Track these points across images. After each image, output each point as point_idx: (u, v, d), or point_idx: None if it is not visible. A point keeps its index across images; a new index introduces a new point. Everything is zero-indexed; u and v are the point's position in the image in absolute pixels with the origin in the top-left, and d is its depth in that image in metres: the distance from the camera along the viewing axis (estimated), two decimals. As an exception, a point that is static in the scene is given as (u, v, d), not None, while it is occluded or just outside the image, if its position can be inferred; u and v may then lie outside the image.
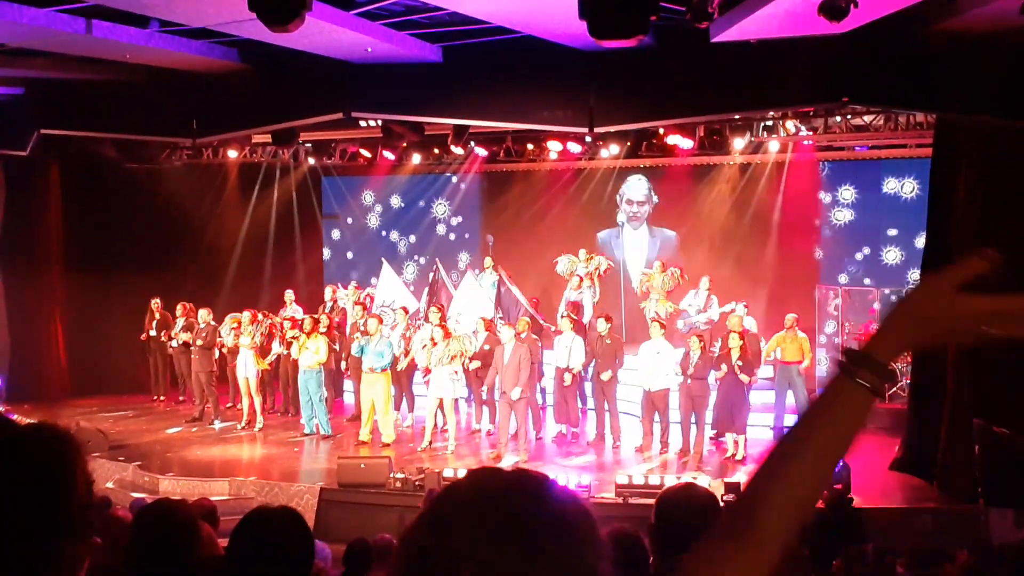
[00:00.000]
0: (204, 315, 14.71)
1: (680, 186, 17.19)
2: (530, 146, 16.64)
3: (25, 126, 13.79)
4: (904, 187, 15.68)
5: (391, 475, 10.71)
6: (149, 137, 14.93)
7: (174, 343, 15.09)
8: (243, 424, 14.19)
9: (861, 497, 9.95)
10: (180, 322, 15.17)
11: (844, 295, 15.52)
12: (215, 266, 18.06)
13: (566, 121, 11.80)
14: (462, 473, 1.36)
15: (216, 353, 14.64)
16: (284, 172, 19.05)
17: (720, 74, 10.38)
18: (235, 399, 14.87)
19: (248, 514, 2.83)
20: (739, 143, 14.94)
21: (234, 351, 14.28)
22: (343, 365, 14.92)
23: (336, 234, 20.02)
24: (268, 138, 15.47)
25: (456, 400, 13.22)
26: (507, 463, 11.74)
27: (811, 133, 15.11)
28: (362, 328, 13.62)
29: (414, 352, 13.55)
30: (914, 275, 15.13)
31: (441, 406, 12.87)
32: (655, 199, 17.65)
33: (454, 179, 18.86)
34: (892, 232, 15.92)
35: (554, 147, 15.72)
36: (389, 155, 17.21)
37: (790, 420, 13.58)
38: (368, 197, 19.48)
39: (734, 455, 12.07)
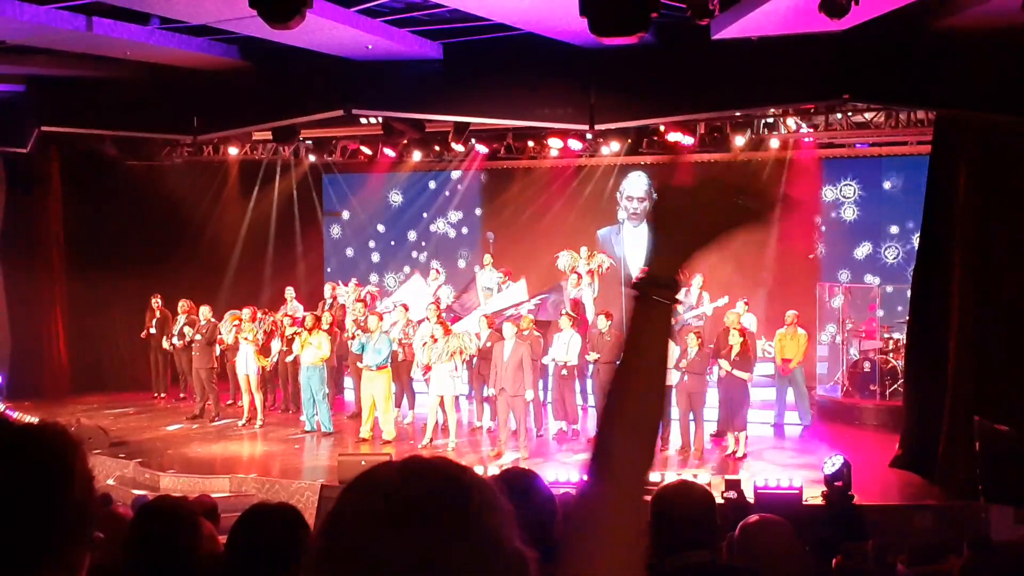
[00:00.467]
0: (205, 312, 14.73)
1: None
2: (531, 143, 16.63)
3: (25, 123, 13.79)
4: (905, 184, 15.67)
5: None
6: (150, 134, 14.93)
7: (176, 340, 15.09)
8: (243, 421, 14.20)
9: (861, 494, 9.96)
10: (181, 319, 15.19)
11: (845, 292, 15.53)
12: (215, 263, 18.05)
13: (567, 118, 11.80)
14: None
15: (217, 350, 14.66)
16: (285, 169, 19.05)
17: (721, 71, 10.38)
18: (235, 396, 14.88)
19: (247, 511, 2.84)
20: (740, 140, 14.93)
21: (234, 348, 14.29)
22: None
23: (336, 231, 20.03)
24: (269, 135, 15.46)
25: (456, 397, 13.23)
26: (508, 460, 11.75)
27: (812, 130, 15.10)
28: (362, 325, 13.63)
29: (415, 348, 13.57)
30: (914, 272, 15.12)
31: (442, 403, 12.88)
32: (655, 196, 17.61)
33: (455, 176, 18.86)
34: (893, 229, 15.93)
35: (555, 144, 15.70)
36: (390, 152, 17.21)
37: (790, 417, 13.66)
38: (369, 194, 19.47)
39: (734, 452, 12.07)
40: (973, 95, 9.66)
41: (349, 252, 19.83)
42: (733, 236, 1.50)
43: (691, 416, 12.20)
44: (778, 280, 16.05)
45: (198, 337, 14.47)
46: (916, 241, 12.78)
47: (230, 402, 15.08)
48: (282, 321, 14.72)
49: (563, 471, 10.84)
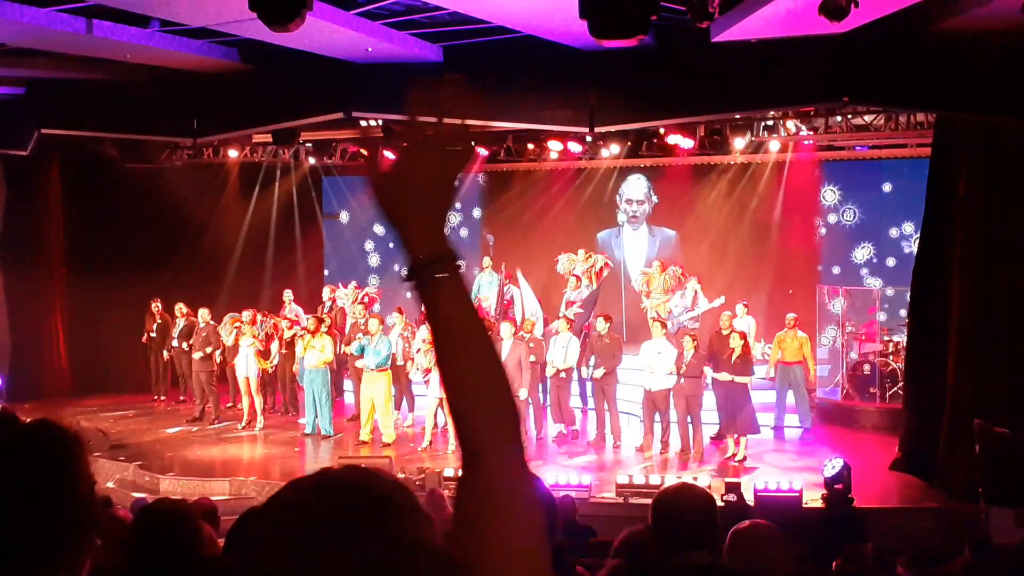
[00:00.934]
0: (204, 315, 14.73)
1: (680, 186, 17.19)
2: (530, 146, 16.63)
3: (26, 126, 13.79)
4: (905, 187, 15.66)
5: (392, 475, 10.70)
6: (149, 137, 14.93)
7: (175, 343, 15.10)
8: (243, 424, 14.19)
9: (861, 497, 9.96)
10: (180, 323, 15.18)
11: (845, 295, 15.52)
12: (215, 266, 18.04)
13: (567, 121, 11.81)
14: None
15: (216, 353, 14.66)
16: (284, 172, 19.04)
17: (720, 74, 10.38)
18: (235, 399, 14.87)
19: (244, 513, 2.83)
20: (739, 143, 14.94)
21: (234, 351, 14.28)
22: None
23: (336, 234, 20.02)
24: (269, 138, 15.47)
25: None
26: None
27: (811, 133, 15.11)
28: (363, 328, 13.63)
29: (413, 352, 13.57)
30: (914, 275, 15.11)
31: (441, 405, 12.87)
32: (655, 199, 17.66)
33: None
34: (893, 232, 15.93)
35: (554, 147, 15.71)
36: (390, 155, 17.16)
37: (790, 419, 13.66)
38: (368, 196, 19.43)
39: (735, 455, 12.06)
40: (973, 97, 9.67)
41: (349, 254, 19.81)
42: (462, 176, 1.44)
43: (689, 419, 12.20)
44: (777, 282, 16.05)
45: (208, 349, 14.47)
46: (916, 244, 12.80)
47: (230, 405, 15.06)
48: (281, 324, 14.72)
49: (562, 474, 10.84)
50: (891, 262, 15.90)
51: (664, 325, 12.90)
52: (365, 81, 11.77)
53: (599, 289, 15.27)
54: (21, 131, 13.90)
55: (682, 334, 12.80)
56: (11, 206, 16.41)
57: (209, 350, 14.52)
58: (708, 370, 12.05)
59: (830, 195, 16.40)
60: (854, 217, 16.24)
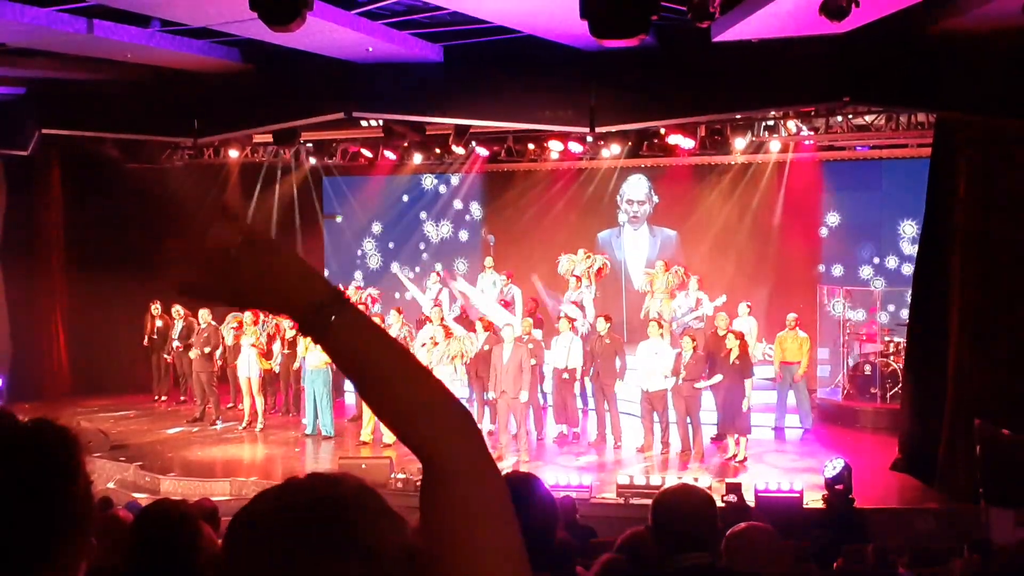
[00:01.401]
0: (204, 315, 14.73)
1: (681, 186, 17.18)
2: (531, 146, 16.62)
3: (26, 126, 13.80)
4: (905, 187, 15.65)
5: (392, 475, 10.71)
6: (150, 137, 14.93)
7: (176, 343, 15.10)
8: (244, 424, 14.19)
9: (862, 497, 9.96)
10: (179, 324, 15.17)
11: (846, 295, 15.52)
12: (216, 266, 18.00)
13: (567, 121, 11.79)
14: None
15: (217, 353, 14.67)
16: (285, 172, 19.04)
17: (721, 74, 10.38)
18: (236, 399, 14.87)
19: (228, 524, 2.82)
20: (740, 143, 14.93)
21: (235, 351, 14.28)
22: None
23: (337, 234, 20.01)
24: (269, 138, 15.46)
25: (457, 400, 13.19)
26: (507, 464, 11.73)
27: (812, 133, 15.10)
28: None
29: (414, 351, 13.56)
30: (915, 275, 15.12)
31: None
32: (655, 199, 17.65)
33: (455, 179, 18.85)
34: (893, 232, 15.91)
35: (555, 147, 15.70)
36: (390, 155, 17.20)
37: (791, 420, 13.66)
38: (369, 197, 19.46)
39: (735, 456, 12.06)
40: (973, 97, 9.66)
41: (350, 254, 19.81)
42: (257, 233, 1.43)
43: (688, 419, 12.20)
44: (778, 283, 16.04)
45: (207, 349, 14.48)
46: (916, 244, 12.79)
47: (231, 405, 15.06)
48: (283, 324, 14.71)
49: (563, 474, 10.84)
50: (891, 262, 15.89)
51: (661, 325, 12.90)
52: (366, 81, 11.77)
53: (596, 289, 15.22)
54: (21, 131, 13.90)
55: (684, 334, 12.80)
56: (11, 206, 16.42)
57: (208, 350, 14.53)
58: (702, 383, 12.07)
59: (830, 195, 16.39)
60: (854, 217, 16.22)
